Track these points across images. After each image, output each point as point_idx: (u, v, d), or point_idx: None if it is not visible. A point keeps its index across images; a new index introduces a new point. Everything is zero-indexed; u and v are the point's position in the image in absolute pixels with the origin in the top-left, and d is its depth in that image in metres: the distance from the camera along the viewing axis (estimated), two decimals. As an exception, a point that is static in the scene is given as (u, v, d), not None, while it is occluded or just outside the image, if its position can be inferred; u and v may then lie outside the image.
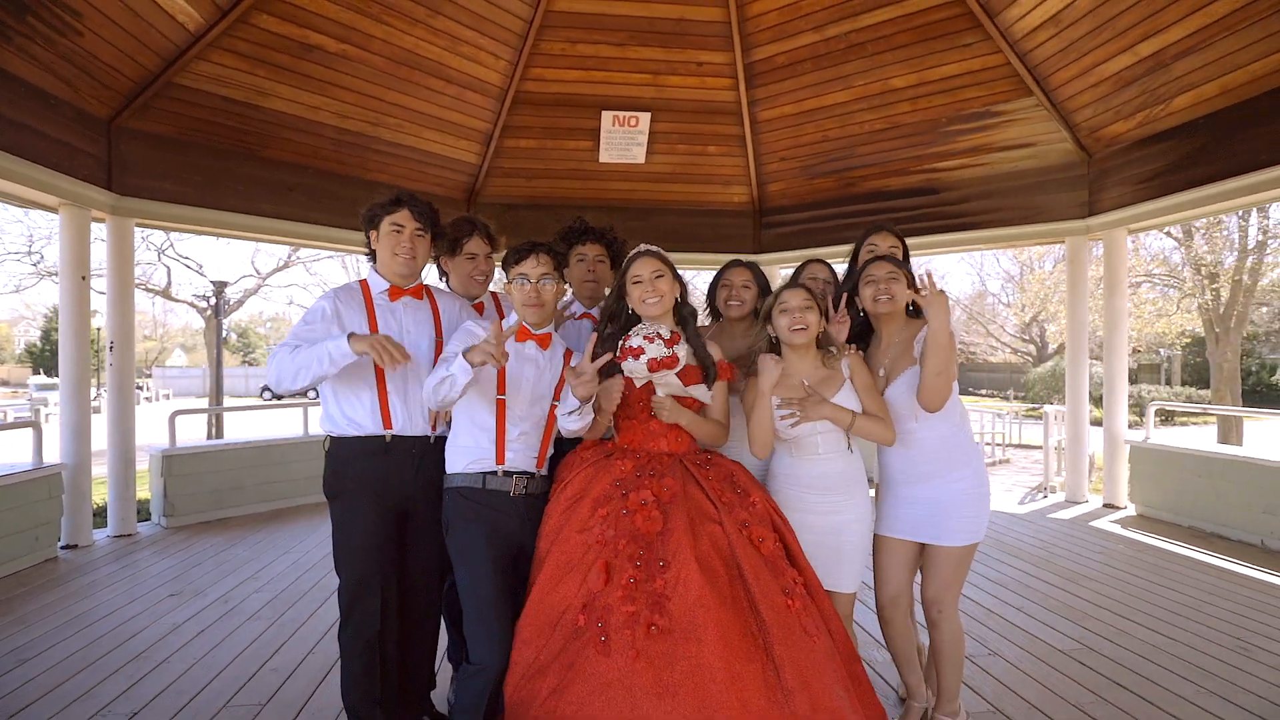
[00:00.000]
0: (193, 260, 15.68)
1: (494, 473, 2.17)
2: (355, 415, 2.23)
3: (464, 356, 1.99)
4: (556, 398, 2.26)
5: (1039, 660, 3.11)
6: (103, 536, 5.12)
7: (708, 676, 1.72)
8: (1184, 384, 22.71)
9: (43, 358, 35.30)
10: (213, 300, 13.26)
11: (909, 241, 2.85)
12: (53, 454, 4.84)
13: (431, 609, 2.44)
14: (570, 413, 2.13)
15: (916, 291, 2.31)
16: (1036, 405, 14.36)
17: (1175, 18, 4.74)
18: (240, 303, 16.98)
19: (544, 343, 2.27)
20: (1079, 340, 6.55)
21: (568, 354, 2.35)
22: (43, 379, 29.40)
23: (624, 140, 6.98)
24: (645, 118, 6.82)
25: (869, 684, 2.08)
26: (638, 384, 2.16)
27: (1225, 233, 12.01)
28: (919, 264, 2.87)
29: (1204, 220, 11.84)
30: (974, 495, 2.34)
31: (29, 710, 2.66)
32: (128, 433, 5.34)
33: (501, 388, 2.19)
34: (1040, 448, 8.20)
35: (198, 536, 5.18)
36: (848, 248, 2.87)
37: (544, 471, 2.28)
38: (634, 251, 2.29)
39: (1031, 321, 23.27)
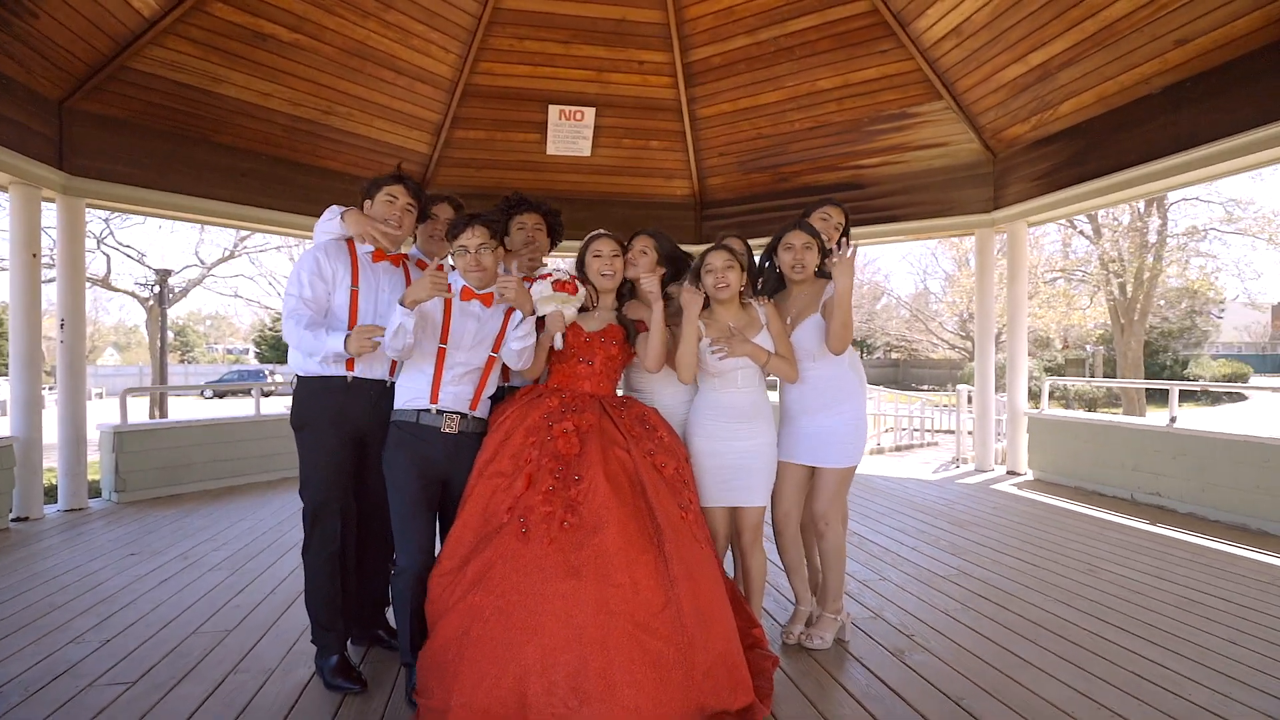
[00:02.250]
0: (134, 249, 15.31)
1: (428, 410, 2.50)
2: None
3: (400, 303, 2.34)
4: (495, 349, 2.60)
5: (920, 582, 3.63)
6: (53, 511, 5.23)
7: (607, 560, 2.11)
8: (1105, 376, 24.42)
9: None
10: (155, 289, 13.07)
11: None
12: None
13: (384, 533, 2.74)
14: (516, 326, 2.53)
15: (827, 257, 2.77)
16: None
17: (1057, 31, 5.36)
18: (185, 292, 16.67)
19: (486, 301, 2.61)
20: (986, 324, 7.19)
21: (508, 312, 2.69)
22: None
23: (570, 134, 7.33)
24: (590, 112, 7.19)
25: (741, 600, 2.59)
26: (541, 307, 2.55)
27: (1134, 231, 13.05)
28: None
29: (1114, 220, 12.86)
30: (853, 427, 2.80)
31: (8, 640, 2.87)
32: (79, 409, 5.44)
33: (445, 338, 2.52)
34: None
35: (150, 510, 5.32)
36: None
37: (477, 413, 2.60)
38: (596, 232, 2.75)
39: (969, 318, 24.50)
